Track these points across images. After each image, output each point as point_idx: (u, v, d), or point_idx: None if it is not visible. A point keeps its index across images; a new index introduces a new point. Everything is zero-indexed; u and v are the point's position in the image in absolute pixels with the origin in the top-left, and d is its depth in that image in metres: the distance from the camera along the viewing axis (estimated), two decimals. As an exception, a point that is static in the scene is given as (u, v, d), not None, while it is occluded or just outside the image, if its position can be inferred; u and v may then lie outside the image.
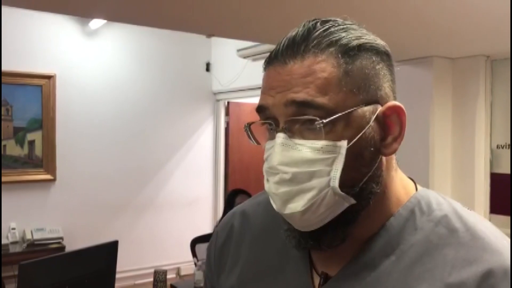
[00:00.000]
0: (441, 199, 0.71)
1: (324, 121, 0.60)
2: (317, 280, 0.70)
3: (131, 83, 4.89)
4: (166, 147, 5.12)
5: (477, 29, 2.27)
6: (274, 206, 0.65)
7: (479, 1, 1.82)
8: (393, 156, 0.69)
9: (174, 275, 5.04)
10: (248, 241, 0.79)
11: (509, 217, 2.82)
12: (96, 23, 4.43)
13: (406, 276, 0.64)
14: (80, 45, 4.60)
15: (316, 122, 0.60)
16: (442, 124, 2.96)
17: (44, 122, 4.39)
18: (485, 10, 1.94)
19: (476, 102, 2.90)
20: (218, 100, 5.45)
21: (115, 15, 2.47)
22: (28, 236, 4.15)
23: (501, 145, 2.89)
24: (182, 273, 5.14)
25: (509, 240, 0.67)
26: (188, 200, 5.27)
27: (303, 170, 0.61)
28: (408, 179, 0.74)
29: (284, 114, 0.62)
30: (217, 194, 5.48)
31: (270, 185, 0.64)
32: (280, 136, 0.62)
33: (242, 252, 0.78)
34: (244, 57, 4.75)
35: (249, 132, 0.69)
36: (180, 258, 4.99)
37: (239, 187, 4.08)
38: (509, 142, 2.84)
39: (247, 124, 0.68)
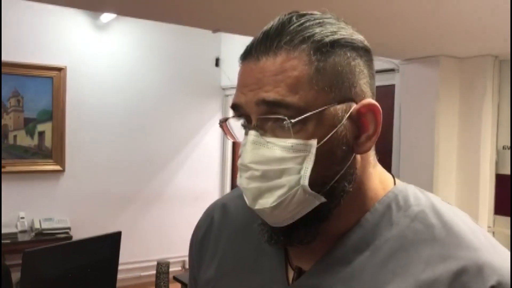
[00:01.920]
0: (419, 193, 0.70)
1: (293, 120, 0.59)
2: (291, 275, 0.70)
3: (140, 77, 4.92)
4: (174, 141, 5.16)
5: (485, 29, 2.26)
6: (246, 201, 0.65)
7: (488, 0, 1.81)
8: (371, 153, 0.68)
9: (180, 268, 5.09)
10: (227, 234, 0.79)
11: (514, 219, 2.81)
12: (107, 16, 4.46)
13: (380, 272, 0.63)
14: (91, 38, 4.64)
15: (285, 122, 0.59)
16: (448, 123, 2.95)
17: (54, 114, 4.44)
18: (494, 10, 1.93)
19: (483, 103, 2.88)
20: (226, 96, 5.47)
21: (124, 10, 2.50)
22: (37, 226, 4.21)
23: (507, 146, 2.86)
24: (188, 266, 5.18)
25: (489, 236, 0.66)
26: (195, 194, 5.30)
27: (273, 168, 0.61)
28: (388, 173, 0.73)
29: (255, 112, 0.62)
30: (224, 189, 5.51)
31: (242, 180, 0.65)
32: (252, 134, 0.62)
33: (221, 245, 0.79)
34: (253, 53, 4.75)
35: (223, 129, 0.69)
36: (186, 251, 5.01)
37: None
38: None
39: (221, 120, 0.69)
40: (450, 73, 2.94)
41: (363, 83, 0.64)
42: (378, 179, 0.70)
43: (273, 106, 0.60)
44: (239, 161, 0.65)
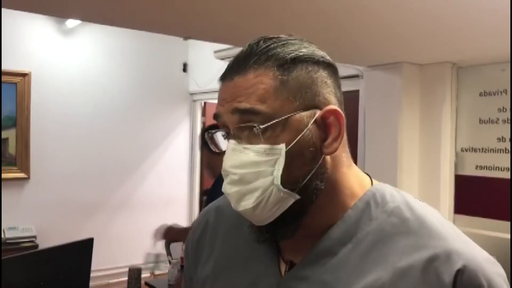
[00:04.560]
0: (394, 192, 0.78)
1: (261, 126, 0.68)
2: (283, 267, 0.77)
3: (107, 82, 4.89)
4: (142, 147, 5.14)
5: (443, 37, 2.38)
6: (232, 204, 0.73)
7: (445, 12, 1.93)
8: (342, 154, 0.75)
9: (148, 274, 5.06)
10: (222, 235, 0.86)
11: (472, 217, 2.96)
12: (73, 21, 4.42)
13: (362, 262, 0.71)
14: (57, 43, 4.58)
15: (255, 128, 0.68)
16: (410, 127, 3.08)
17: (18, 120, 4.36)
18: (451, 20, 2.05)
19: (442, 107, 3.02)
20: (194, 101, 5.49)
21: (90, 16, 2.46)
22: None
23: (465, 148, 3.02)
24: (156, 272, 5.15)
25: (455, 227, 0.75)
26: (164, 200, 5.29)
27: (249, 171, 0.69)
28: (365, 174, 0.80)
29: (232, 121, 0.71)
30: (193, 194, 5.52)
31: (225, 186, 0.73)
32: (231, 142, 0.71)
33: (217, 244, 0.85)
34: (221, 59, 4.80)
35: (208, 140, 0.79)
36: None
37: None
38: (472, 145, 2.98)
39: (207, 133, 0.78)
40: (411, 79, 3.07)
41: (327, 93, 0.73)
42: (355, 179, 0.77)
43: (245, 113, 0.69)
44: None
